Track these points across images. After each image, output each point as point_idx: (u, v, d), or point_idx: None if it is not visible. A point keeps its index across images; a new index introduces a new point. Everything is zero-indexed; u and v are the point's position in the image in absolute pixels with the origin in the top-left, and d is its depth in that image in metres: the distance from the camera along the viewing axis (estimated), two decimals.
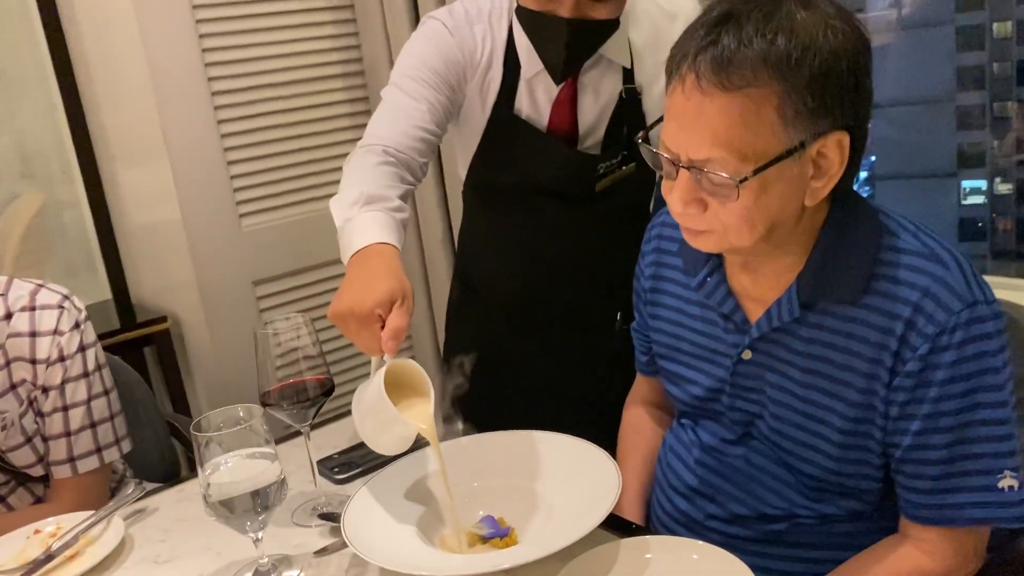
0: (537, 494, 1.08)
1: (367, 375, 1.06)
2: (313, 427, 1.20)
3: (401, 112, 1.29)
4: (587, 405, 1.49)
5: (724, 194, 0.91)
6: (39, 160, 2.58)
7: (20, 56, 2.44)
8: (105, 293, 2.59)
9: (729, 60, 0.87)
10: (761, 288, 1.05)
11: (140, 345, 2.43)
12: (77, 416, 1.36)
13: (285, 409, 1.12)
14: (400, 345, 0.98)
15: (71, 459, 1.37)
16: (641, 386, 1.37)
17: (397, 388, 0.99)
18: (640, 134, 1.01)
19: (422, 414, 0.99)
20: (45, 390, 1.34)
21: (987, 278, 1.03)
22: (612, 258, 1.46)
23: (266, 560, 1.05)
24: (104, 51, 2.32)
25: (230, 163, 2.34)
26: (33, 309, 1.33)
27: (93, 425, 1.38)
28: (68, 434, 1.36)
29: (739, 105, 0.88)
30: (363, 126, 2.57)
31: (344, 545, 1.08)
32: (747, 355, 1.07)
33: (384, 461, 1.18)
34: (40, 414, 1.36)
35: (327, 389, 1.14)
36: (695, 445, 1.17)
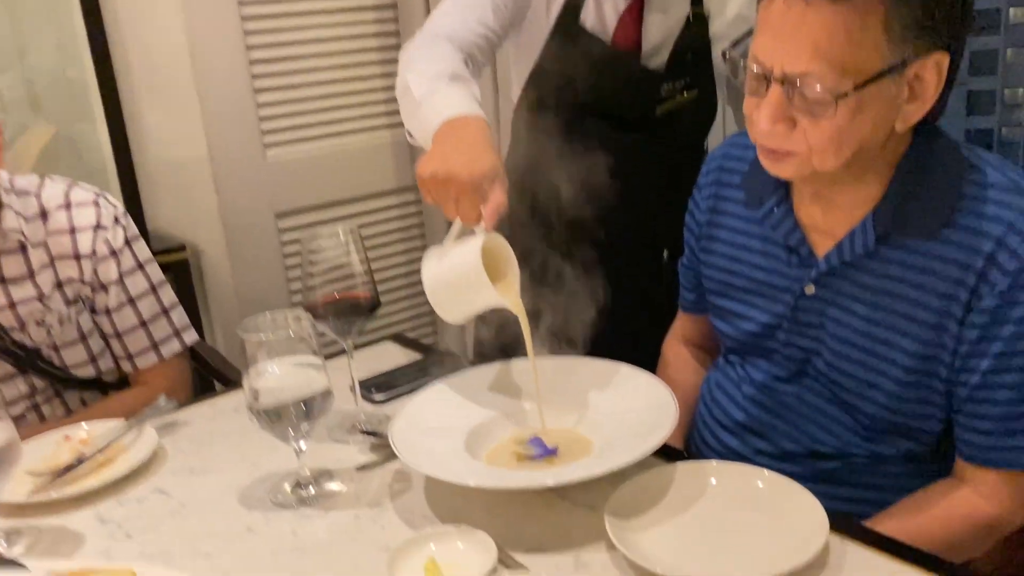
0: (590, 418, 1.06)
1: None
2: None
3: (467, 7, 1.27)
4: (627, 341, 1.46)
5: (819, 111, 0.88)
6: (52, 94, 2.50)
7: None
8: None
9: None
10: (832, 220, 1.02)
11: None
12: (147, 305, 1.39)
13: (330, 322, 1.09)
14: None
15: (154, 345, 1.41)
16: (683, 324, 1.34)
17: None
18: (727, 47, 0.97)
19: (511, 290, 1.00)
20: (103, 287, 1.36)
21: None
22: (663, 193, 1.42)
23: (307, 472, 1.02)
24: None
25: (257, 90, 2.29)
26: (69, 206, 1.33)
27: (166, 311, 1.42)
28: (144, 324, 1.39)
29: (844, 16, 0.84)
30: (392, 61, 2.54)
31: (386, 460, 1.06)
32: (810, 290, 1.04)
33: (425, 382, 1.15)
34: (104, 312, 1.37)
35: (373, 305, 1.11)
36: (745, 381, 1.14)
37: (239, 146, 2.30)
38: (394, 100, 2.49)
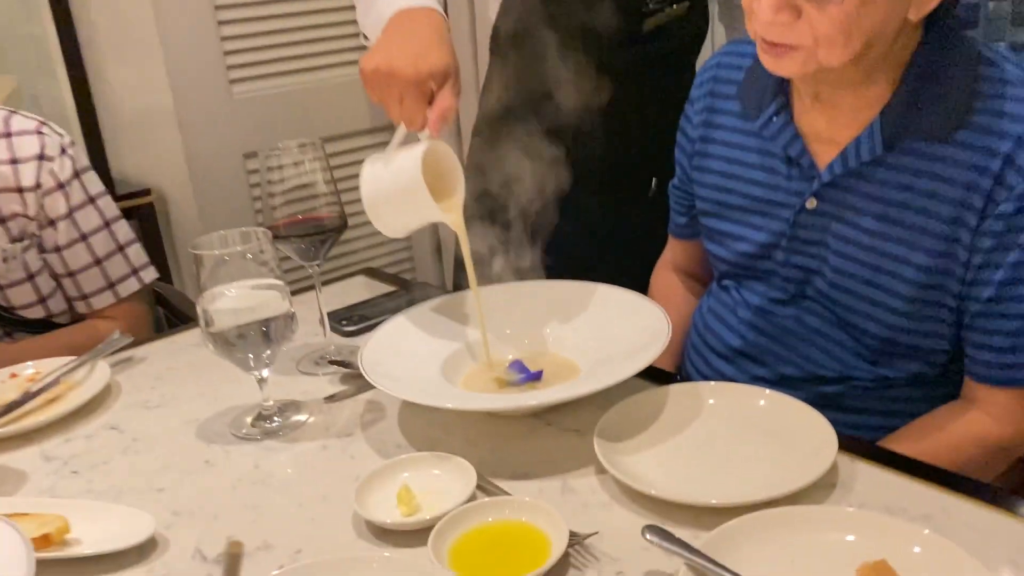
0: (575, 342, 0.98)
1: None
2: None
3: None
4: (615, 271, 1.39)
5: None
6: (14, 49, 2.37)
7: None
8: None
9: None
10: (836, 126, 0.94)
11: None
12: (100, 241, 1.30)
13: (294, 242, 1.00)
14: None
15: (110, 285, 1.32)
16: (674, 251, 1.27)
17: (425, 172, 0.89)
18: None
19: (454, 205, 0.91)
20: (51, 222, 1.26)
21: None
22: (651, 116, 1.34)
23: (271, 403, 0.95)
24: None
25: (221, 23, 2.17)
26: (9, 136, 1.23)
27: (121, 248, 1.33)
28: (98, 261, 1.30)
29: None
30: None
31: (357, 391, 0.99)
32: (811, 204, 0.97)
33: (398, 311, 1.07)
34: (54, 250, 1.27)
35: (340, 225, 1.02)
36: (741, 306, 1.07)
37: (203, 82, 2.19)
38: None
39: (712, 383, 0.89)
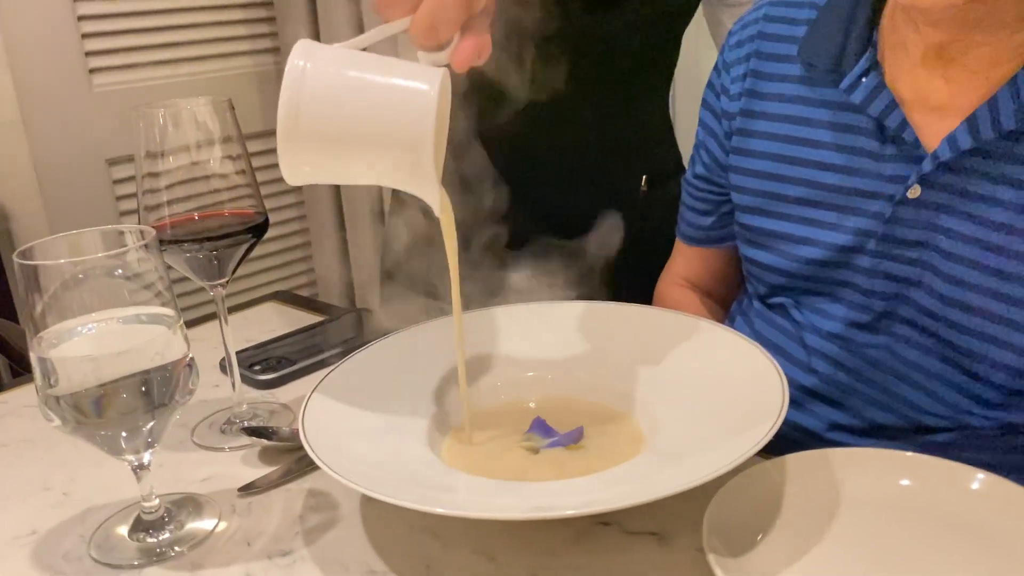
0: (629, 388, 0.67)
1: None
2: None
3: None
4: (604, 293, 1.12)
5: None
6: None
7: None
8: None
9: None
10: (957, 88, 0.69)
11: None
12: None
13: (188, 251, 0.67)
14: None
15: None
16: (687, 262, 0.99)
17: None
18: None
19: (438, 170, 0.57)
20: None
21: None
22: (636, 99, 1.07)
23: (155, 503, 0.60)
24: None
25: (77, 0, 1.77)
26: None
27: None
28: None
29: None
30: None
31: (288, 475, 0.66)
32: (915, 193, 0.71)
33: (335, 353, 0.75)
34: None
35: (258, 224, 0.69)
36: (809, 331, 0.80)
37: (54, 71, 1.78)
38: (258, 21, 2.05)
39: (849, 450, 0.60)
